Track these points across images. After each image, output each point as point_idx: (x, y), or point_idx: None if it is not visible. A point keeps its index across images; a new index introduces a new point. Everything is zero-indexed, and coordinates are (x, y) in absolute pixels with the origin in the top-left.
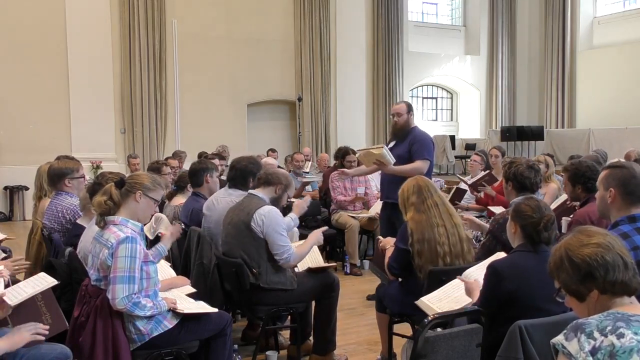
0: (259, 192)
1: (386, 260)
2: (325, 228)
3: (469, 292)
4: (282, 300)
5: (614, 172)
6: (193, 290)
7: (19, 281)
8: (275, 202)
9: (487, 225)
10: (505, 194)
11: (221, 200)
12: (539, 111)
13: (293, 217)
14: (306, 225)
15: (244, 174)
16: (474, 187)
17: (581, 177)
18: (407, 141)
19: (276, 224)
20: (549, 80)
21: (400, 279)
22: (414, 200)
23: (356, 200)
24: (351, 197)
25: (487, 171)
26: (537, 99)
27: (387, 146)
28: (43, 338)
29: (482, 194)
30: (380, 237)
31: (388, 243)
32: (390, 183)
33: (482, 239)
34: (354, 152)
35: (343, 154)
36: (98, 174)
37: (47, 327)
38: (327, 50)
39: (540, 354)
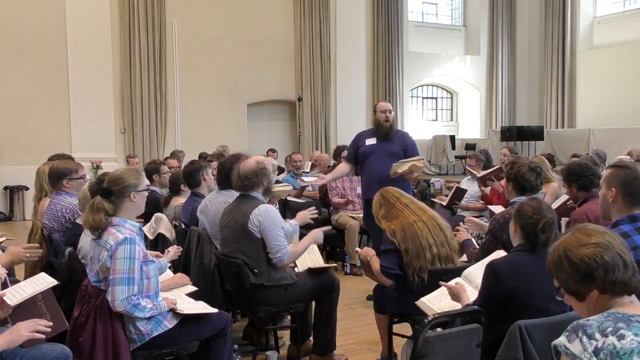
0: (250, 192)
1: (375, 267)
2: (327, 228)
3: (455, 297)
4: (282, 300)
5: (617, 172)
6: (194, 288)
7: (18, 281)
8: (267, 192)
9: (488, 225)
10: (506, 192)
11: (214, 202)
12: (539, 111)
13: (293, 224)
14: (306, 225)
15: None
16: (483, 180)
17: (572, 174)
18: (396, 140)
19: (273, 223)
20: (549, 80)
21: (396, 282)
22: (383, 212)
23: (350, 203)
24: (344, 200)
25: (499, 165)
26: (537, 99)
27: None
28: (43, 337)
29: (488, 190)
30: (358, 249)
31: (368, 254)
32: (373, 183)
33: (483, 236)
34: None
35: (340, 153)
36: (100, 174)
37: (49, 323)
38: (327, 50)
39: (540, 354)
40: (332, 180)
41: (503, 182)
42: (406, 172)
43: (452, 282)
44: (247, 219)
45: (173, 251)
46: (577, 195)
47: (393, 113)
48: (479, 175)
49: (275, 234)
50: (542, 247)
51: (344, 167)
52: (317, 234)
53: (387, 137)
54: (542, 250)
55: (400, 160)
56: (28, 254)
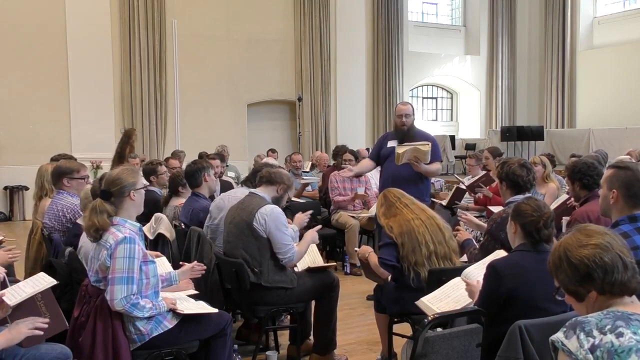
0: (260, 191)
1: (373, 261)
2: (319, 227)
3: (472, 294)
4: (282, 300)
5: (619, 174)
6: (195, 292)
7: (18, 281)
8: (276, 202)
9: (486, 225)
10: (501, 194)
11: (232, 197)
12: (539, 111)
13: (295, 229)
14: (306, 225)
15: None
16: (471, 188)
17: (577, 173)
18: (415, 142)
19: (279, 223)
20: (549, 80)
21: (395, 280)
22: (383, 210)
23: (357, 198)
24: (350, 196)
25: (484, 172)
26: (537, 99)
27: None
28: (42, 333)
29: (479, 195)
30: (357, 249)
31: (366, 250)
32: (387, 184)
33: (481, 239)
34: (352, 152)
35: (340, 153)
36: (100, 175)
37: (47, 320)
38: (327, 50)
39: (540, 354)
40: (354, 176)
41: (495, 185)
42: (412, 161)
43: (451, 282)
44: (253, 216)
45: (198, 268)
46: (579, 194)
47: (412, 116)
48: (466, 184)
49: (282, 234)
50: (545, 243)
51: (367, 162)
52: (312, 234)
53: (405, 140)
54: (544, 248)
55: (403, 144)
56: (11, 256)
